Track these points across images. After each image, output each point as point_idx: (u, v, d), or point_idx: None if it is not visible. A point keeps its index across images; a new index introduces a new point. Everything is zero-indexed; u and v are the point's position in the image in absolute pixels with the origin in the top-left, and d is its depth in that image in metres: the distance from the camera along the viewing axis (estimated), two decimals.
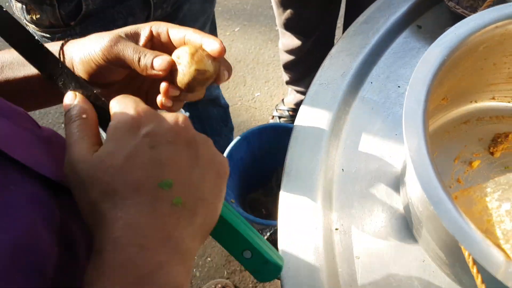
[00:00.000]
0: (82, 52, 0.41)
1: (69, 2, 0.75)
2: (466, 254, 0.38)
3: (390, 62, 0.73)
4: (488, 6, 0.55)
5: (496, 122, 0.61)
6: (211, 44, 0.39)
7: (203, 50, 0.39)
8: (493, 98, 0.62)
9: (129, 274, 0.28)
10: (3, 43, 0.37)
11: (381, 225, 0.55)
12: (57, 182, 0.35)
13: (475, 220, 0.43)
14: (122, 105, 0.33)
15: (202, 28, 1.10)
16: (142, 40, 0.43)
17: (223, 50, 0.39)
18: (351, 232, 0.55)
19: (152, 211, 0.30)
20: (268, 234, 0.98)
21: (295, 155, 0.64)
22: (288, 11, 1.34)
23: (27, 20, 0.80)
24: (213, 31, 1.22)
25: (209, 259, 1.56)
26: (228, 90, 2.03)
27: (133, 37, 0.43)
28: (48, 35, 0.82)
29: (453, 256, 0.44)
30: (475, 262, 0.37)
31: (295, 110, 1.90)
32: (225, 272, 1.52)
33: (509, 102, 0.62)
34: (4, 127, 0.34)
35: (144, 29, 0.43)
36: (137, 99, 0.34)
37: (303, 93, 1.77)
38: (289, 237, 0.55)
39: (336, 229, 0.56)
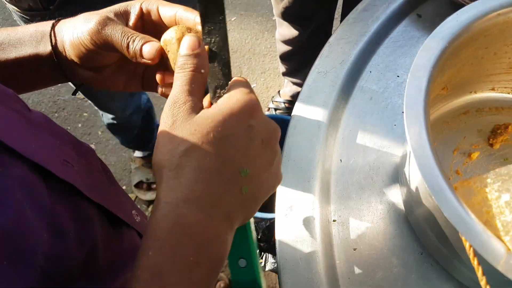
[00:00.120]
0: (72, 34, 0.41)
1: None
2: (467, 245, 0.37)
3: (389, 51, 0.71)
4: None
5: (495, 113, 0.60)
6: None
7: (193, 30, 0.38)
8: (493, 89, 0.61)
9: (196, 237, 0.31)
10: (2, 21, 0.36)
11: (379, 217, 0.55)
12: (46, 168, 0.34)
13: (474, 211, 0.43)
14: (245, 90, 0.35)
15: (186, 4, 1.07)
16: (132, 19, 0.42)
17: None
18: (349, 223, 0.54)
19: (226, 188, 0.33)
20: (264, 226, 0.98)
21: (293, 145, 0.63)
22: (286, 0, 1.32)
23: (6, 0, 0.79)
24: None
25: None
26: None
27: (123, 16, 0.42)
28: (27, 17, 0.82)
29: (453, 248, 0.44)
30: (476, 254, 0.37)
31: (291, 102, 1.88)
32: None
33: (508, 93, 0.61)
34: None
35: (134, 7, 0.42)
36: (253, 90, 0.37)
37: (300, 85, 1.75)
38: (286, 228, 0.54)
39: (334, 220, 0.55)
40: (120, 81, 0.47)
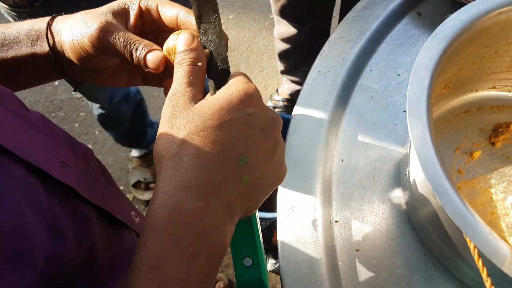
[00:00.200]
0: (71, 37, 0.40)
1: None
2: (471, 246, 0.37)
3: (389, 50, 0.71)
4: None
5: (496, 112, 0.60)
6: None
7: (195, 34, 0.38)
8: (494, 88, 0.61)
9: (193, 226, 0.31)
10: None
11: (381, 217, 0.54)
12: (43, 169, 0.34)
13: (478, 212, 0.42)
14: (243, 79, 0.36)
15: (186, 2, 1.07)
16: (131, 18, 0.41)
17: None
18: (351, 224, 0.54)
19: (225, 176, 0.32)
20: (264, 226, 0.98)
21: (294, 145, 0.63)
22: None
23: None
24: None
25: None
26: None
27: (122, 15, 0.41)
28: (14, 13, 0.82)
29: (456, 249, 0.44)
30: (480, 255, 0.36)
31: (289, 100, 1.88)
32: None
33: (509, 91, 0.61)
34: None
35: (132, 5, 0.41)
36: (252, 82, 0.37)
37: (298, 83, 1.75)
38: (288, 230, 0.54)
39: (336, 221, 0.55)
40: (122, 78, 0.47)
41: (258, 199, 0.36)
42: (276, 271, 0.98)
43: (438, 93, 0.57)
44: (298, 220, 0.55)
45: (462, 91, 0.61)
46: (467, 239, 0.37)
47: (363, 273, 0.50)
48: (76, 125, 1.98)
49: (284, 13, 1.38)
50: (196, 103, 0.34)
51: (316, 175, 0.59)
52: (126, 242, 0.48)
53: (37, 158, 0.34)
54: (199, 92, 0.35)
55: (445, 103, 0.61)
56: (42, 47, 0.42)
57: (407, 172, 0.53)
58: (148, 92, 1.96)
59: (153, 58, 0.38)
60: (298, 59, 1.63)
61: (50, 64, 0.43)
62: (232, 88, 0.34)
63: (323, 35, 1.54)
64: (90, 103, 1.35)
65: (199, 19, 0.37)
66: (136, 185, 1.79)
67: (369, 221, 0.54)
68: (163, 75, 0.44)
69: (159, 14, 0.41)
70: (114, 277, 0.43)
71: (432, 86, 0.45)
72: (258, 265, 0.38)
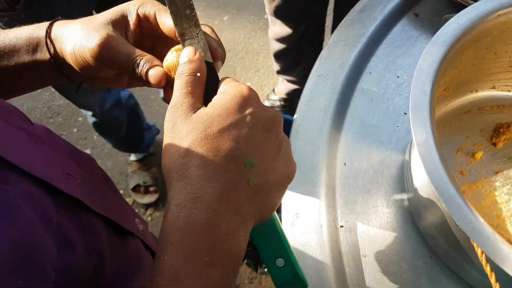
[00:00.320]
0: (72, 48, 0.40)
1: None
2: (479, 251, 0.37)
3: (388, 52, 0.71)
4: None
5: (497, 112, 0.61)
6: (208, 41, 0.39)
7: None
8: (493, 88, 0.61)
9: (208, 236, 0.31)
10: None
11: (386, 221, 0.55)
12: (49, 183, 0.34)
13: (484, 214, 0.43)
14: (237, 82, 0.36)
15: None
16: (130, 27, 0.41)
17: (218, 51, 0.40)
18: (356, 229, 0.54)
19: (232, 183, 0.32)
20: None
21: (296, 150, 0.63)
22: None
23: None
24: None
25: None
26: None
27: (121, 25, 0.41)
28: None
29: (463, 253, 0.44)
30: (488, 260, 0.37)
31: (286, 100, 1.88)
32: None
33: (509, 91, 0.61)
34: None
35: (130, 14, 0.41)
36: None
37: (294, 82, 1.75)
38: (294, 236, 0.54)
39: (341, 226, 0.55)
40: (123, 81, 0.48)
41: (270, 200, 0.35)
42: None
43: (438, 95, 0.57)
44: (303, 226, 0.55)
45: (462, 92, 0.61)
46: (475, 245, 0.37)
47: (370, 278, 0.50)
48: (75, 130, 1.97)
49: (279, 13, 1.38)
50: (195, 112, 0.34)
51: (319, 179, 0.60)
52: (131, 249, 0.48)
53: (44, 172, 0.34)
54: (198, 101, 0.35)
55: (446, 105, 0.62)
56: (43, 55, 0.42)
57: (410, 176, 0.53)
58: (145, 96, 1.96)
59: (154, 74, 0.39)
60: (293, 59, 1.63)
61: (51, 68, 0.44)
62: (227, 93, 0.34)
63: (318, 34, 1.54)
64: (83, 111, 1.35)
65: (182, 37, 0.39)
66: (136, 188, 1.79)
67: (374, 225, 0.55)
68: (165, 86, 0.44)
69: (157, 22, 0.41)
70: (120, 285, 0.43)
71: (434, 92, 0.46)
72: (291, 263, 0.38)
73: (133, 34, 0.42)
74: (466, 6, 0.69)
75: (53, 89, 1.42)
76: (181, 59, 0.38)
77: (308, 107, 0.67)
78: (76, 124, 1.98)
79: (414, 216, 0.54)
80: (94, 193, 0.42)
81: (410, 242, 0.53)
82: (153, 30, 0.42)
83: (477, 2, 0.50)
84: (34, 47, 0.42)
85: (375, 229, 0.54)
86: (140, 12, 0.40)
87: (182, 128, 0.33)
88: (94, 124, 1.41)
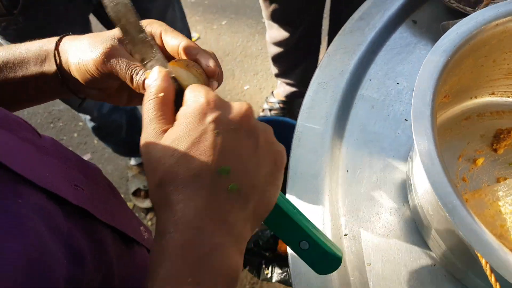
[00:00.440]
0: (77, 59, 0.42)
1: None
2: (483, 262, 0.38)
3: (387, 59, 0.72)
4: (487, 4, 0.54)
5: (496, 118, 0.61)
6: (206, 62, 0.40)
7: (193, 65, 0.40)
8: (493, 93, 0.62)
9: (188, 255, 0.30)
10: None
11: (390, 229, 0.55)
12: (59, 194, 0.35)
13: (488, 224, 0.43)
14: (193, 92, 0.35)
15: (164, 11, 1.09)
16: None
17: (216, 72, 0.40)
18: (360, 237, 0.55)
19: (210, 196, 0.32)
20: (269, 235, 0.98)
21: (299, 158, 0.63)
22: (274, 2, 1.33)
23: None
24: (182, 20, 1.21)
25: None
26: None
27: None
28: None
29: (467, 262, 0.44)
30: (492, 270, 0.37)
31: (285, 102, 1.89)
32: None
33: (508, 96, 0.62)
34: (6, 140, 0.34)
35: None
36: (208, 88, 0.36)
37: (293, 85, 1.76)
38: None
39: (345, 234, 0.55)
40: (123, 97, 0.49)
41: (264, 196, 0.34)
42: (283, 281, 0.98)
43: (438, 103, 0.58)
44: None
45: (461, 98, 0.62)
46: (479, 255, 0.38)
47: (375, 287, 0.51)
48: (75, 135, 1.98)
49: (275, 17, 1.39)
50: (163, 136, 0.33)
51: (322, 187, 0.60)
52: (137, 257, 0.49)
53: (53, 184, 0.35)
54: (166, 123, 0.34)
55: (446, 111, 0.62)
56: (50, 66, 0.44)
57: (413, 183, 0.54)
58: None
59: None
60: (291, 62, 1.64)
61: (57, 81, 0.45)
62: (185, 107, 0.34)
63: (315, 37, 1.55)
64: (82, 115, 1.35)
65: (143, 61, 0.40)
66: (136, 193, 1.79)
67: (378, 233, 0.55)
68: None
69: (162, 41, 0.43)
70: None
71: (435, 101, 0.46)
72: (315, 243, 0.38)
73: None
74: (463, 13, 0.70)
75: (64, 97, 1.43)
76: (146, 82, 0.37)
77: (309, 114, 0.68)
78: (76, 129, 1.99)
79: (417, 224, 0.55)
80: (100, 202, 0.43)
81: (414, 250, 0.53)
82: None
83: (475, 12, 0.51)
84: (42, 59, 0.44)
85: (379, 237, 0.55)
86: (147, 30, 0.42)
87: (153, 157, 0.33)
88: (93, 128, 1.41)
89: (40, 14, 0.85)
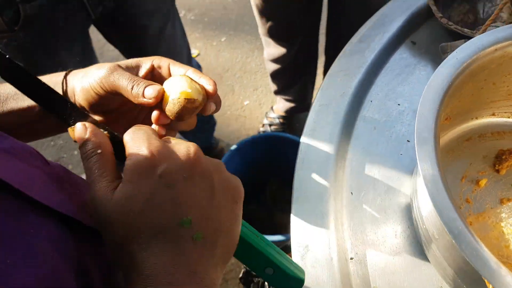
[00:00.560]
0: (83, 81, 0.44)
1: (9, 9, 0.79)
2: (490, 287, 0.38)
3: (387, 80, 0.73)
4: (485, 30, 0.56)
5: (498, 138, 0.62)
6: (206, 84, 0.42)
7: (194, 81, 0.41)
8: (493, 114, 0.63)
9: None
10: None
11: (395, 251, 0.56)
12: (71, 217, 0.36)
13: (493, 246, 0.44)
14: (135, 142, 0.34)
15: (162, 28, 1.11)
16: (142, 71, 0.45)
17: (215, 91, 0.42)
18: (366, 260, 0.55)
19: (176, 249, 0.31)
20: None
21: (303, 180, 0.64)
22: (270, 19, 1.35)
23: None
24: (182, 37, 1.23)
25: None
26: None
27: (134, 68, 0.45)
28: None
29: (474, 284, 0.45)
30: None
31: (285, 117, 1.90)
32: None
33: (509, 117, 0.63)
34: (19, 168, 0.34)
35: (145, 63, 0.45)
36: (149, 132, 0.35)
37: (292, 101, 1.78)
38: (305, 270, 0.55)
39: (351, 258, 0.56)
40: (121, 127, 0.49)
41: (227, 236, 0.34)
42: None
43: (440, 125, 0.59)
44: (313, 259, 0.56)
45: (462, 120, 0.63)
46: (486, 281, 0.38)
47: None
48: (75, 152, 1.98)
49: (272, 33, 1.42)
50: (111, 196, 0.32)
51: (327, 209, 0.60)
52: None
53: (67, 208, 0.35)
54: (110, 180, 0.33)
55: (447, 133, 0.63)
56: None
57: (416, 206, 0.54)
58: None
59: (151, 90, 0.40)
60: (289, 78, 1.66)
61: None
62: (130, 161, 0.33)
63: (312, 52, 1.57)
64: None
65: (62, 118, 0.40)
66: None
67: (384, 256, 0.55)
68: (156, 119, 0.45)
69: (170, 72, 0.44)
70: None
71: (438, 127, 0.47)
72: (279, 269, 0.39)
73: (143, 77, 0.45)
74: (461, 34, 0.71)
75: (63, 132, 1.44)
76: (77, 141, 0.36)
77: (312, 136, 0.68)
78: (76, 147, 1.99)
79: (423, 246, 0.55)
80: None
81: (420, 272, 0.54)
82: (162, 79, 0.44)
83: (474, 38, 0.52)
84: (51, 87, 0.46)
85: (385, 260, 0.55)
86: (155, 63, 0.44)
87: (107, 218, 0.32)
88: None
89: (41, 30, 0.87)
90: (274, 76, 1.66)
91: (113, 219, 0.31)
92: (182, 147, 0.34)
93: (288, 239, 1.19)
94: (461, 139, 0.63)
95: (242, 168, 1.48)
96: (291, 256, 0.58)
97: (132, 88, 0.41)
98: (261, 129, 1.94)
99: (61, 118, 0.39)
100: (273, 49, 1.50)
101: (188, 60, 1.30)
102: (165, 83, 0.42)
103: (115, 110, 0.47)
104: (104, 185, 0.32)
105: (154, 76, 0.45)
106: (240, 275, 1.00)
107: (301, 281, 0.40)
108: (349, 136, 0.68)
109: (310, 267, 0.55)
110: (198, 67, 1.78)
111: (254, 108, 2.03)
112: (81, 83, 0.44)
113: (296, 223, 0.60)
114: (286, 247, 1.01)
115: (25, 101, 0.45)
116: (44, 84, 0.41)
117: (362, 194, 0.62)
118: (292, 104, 1.80)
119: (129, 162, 0.33)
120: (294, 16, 1.32)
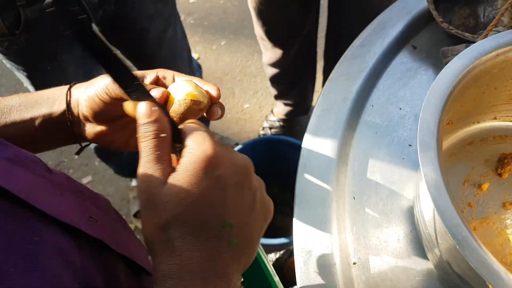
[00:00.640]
0: (88, 90, 0.44)
1: (10, 13, 0.80)
2: None
3: (389, 84, 0.73)
4: (487, 35, 0.56)
5: (500, 142, 0.62)
6: (210, 89, 0.43)
7: (198, 86, 0.42)
8: (495, 118, 0.63)
9: None
10: (9, 93, 0.38)
11: (398, 256, 0.56)
12: (74, 227, 0.36)
13: (497, 253, 0.44)
14: (199, 138, 0.35)
15: (164, 32, 1.11)
16: (147, 81, 0.45)
17: (219, 96, 0.43)
18: (369, 265, 0.55)
19: (213, 247, 0.33)
20: (274, 259, 0.98)
21: (305, 185, 0.64)
22: (269, 20, 1.35)
23: None
24: (183, 39, 1.23)
25: None
26: None
27: (139, 79, 0.45)
28: None
29: None
30: None
31: (285, 120, 1.90)
32: None
33: (510, 121, 0.63)
34: (24, 177, 0.34)
35: (150, 74, 0.46)
36: (210, 131, 0.37)
37: (291, 105, 1.78)
38: (307, 276, 0.55)
39: (354, 263, 0.56)
40: (122, 138, 0.50)
41: (252, 251, 0.36)
42: None
43: (442, 129, 0.59)
44: (316, 265, 0.56)
45: (464, 124, 0.63)
46: (490, 286, 0.38)
47: None
48: (76, 156, 1.98)
49: (271, 36, 1.41)
50: (166, 181, 0.34)
51: (330, 215, 0.60)
52: (147, 287, 0.49)
53: (71, 217, 0.36)
54: (167, 164, 0.35)
55: (449, 137, 0.63)
56: (59, 107, 0.46)
57: (419, 211, 0.54)
58: None
59: (156, 91, 0.41)
60: (289, 82, 1.66)
61: (61, 125, 0.47)
62: (193, 157, 0.34)
63: (311, 53, 1.57)
64: None
65: (124, 89, 0.38)
66: (137, 214, 1.79)
67: (387, 260, 0.55)
68: None
69: (174, 81, 0.45)
70: None
71: (440, 132, 0.47)
72: None
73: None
74: (462, 38, 0.72)
75: (64, 146, 1.45)
76: (139, 117, 0.36)
77: (314, 141, 0.68)
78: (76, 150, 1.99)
79: (426, 250, 0.55)
80: (112, 233, 0.44)
81: (423, 276, 0.54)
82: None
83: (476, 43, 0.52)
84: (54, 100, 0.47)
85: (387, 265, 0.55)
86: (160, 74, 0.45)
87: (158, 200, 0.33)
88: (96, 148, 1.42)
89: (41, 34, 0.88)
90: (273, 80, 1.66)
91: (163, 202, 0.33)
92: (240, 158, 0.36)
93: (291, 242, 1.19)
94: (463, 143, 0.63)
95: None
96: (293, 260, 0.58)
97: None
98: (261, 132, 1.94)
99: (125, 91, 0.38)
100: (271, 53, 1.50)
101: (188, 61, 1.30)
102: (171, 87, 0.43)
103: (118, 119, 0.48)
104: (162, 168, 0.34)
105: (159, 86, 0.46)
106: None
107: None
108: (350, 141, 0.68)
109: (313, 272, 0.55)
110: (198, 67, 1.77)
111: (254, 111, 2.03)
112: (85, 93, 0.44)
113: (298, 228, 0.60)
114: (288, 251, 1.01)
115: (28, 113, 0.46)
116: (118, 56, 0.40)
117: (365, 199, 0.62)
118: (292, 108, 1.81)
119: (191, 156, 0.34)
120: (294, 16, 1.31)
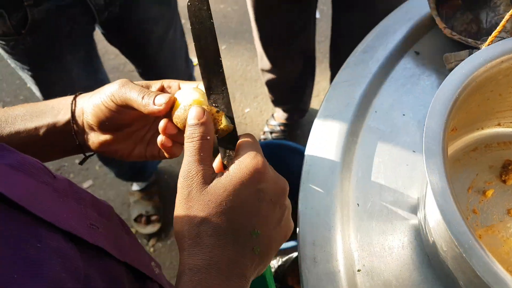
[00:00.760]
0: (94, 98, 0.45)
1: (17, 12, 0.81)
2: None
3: (392, 90, 0.73)
4: (491, 42, 0.56)
5: (504, 148, 0.62)
6: None
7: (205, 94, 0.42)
8: (499, 124, 0.63)
9: None
10: (10, 98, 0.38)
11: (403, 263, 0.55)
12: (77, 235, 0.36)
13: (503, 261, 0.44)
14: (253, 152, 0.38)
15: (166, 32, 1.13)
16: (153, 90, 0.46)
17: None
18: (373, 272, 0.55)
19: (240, 251, 0.36)
20: (276, 265, 0.97)
21: (309, 192, 0.64)
22: (268, 21, 1.34)
23: None
24: (182, 38, 1.25)
25: None
26: None
27: (144, 87, 0.46)
28: (3, 42, 0.87)
29: None
30: None
31: (286, 124, 1.90)
32: None
33: None
34: (26, 184, 0.35)
35: (155, 84, 0.47)
36: (261, 150, 0.40)
37: (291, 110, 1.78)
38: (312, 284, 0.54)
39: (359, 270, 0.55)
40: (126, 148, 0.50)
41: (268, 261, 0.40)
42: None
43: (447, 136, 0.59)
44: (321, 272, 0.55)
45: (468, 130, 0.63)
46: None
47: None
48: (77, 161, 1.98)
49: (268, 39, 1.42)
50: (210, 182, 0.37)
51: (334, 222, 0.60)
52: None
53: (72, 225, 0.36)
54: (210, 166, 0.38)
55: (454, 143, 0.63)
56: (63, 116, 0.47)
57: (424, 218, 0.54)
58: None
59: (162, 98, 0.42)
60: (286, 89, 1.66)
61: (65, 134, 0.47)
62: (243, 166, 0.37)
63: (309, 61, 1.57)
64: None
65: (208, 90, 0.41)
66: (138, 219, 1.78)
67: (391, 268, 0.55)
68: (163, 129, 0.46)
69: (180, 89, 0.46)
70: None
71: (446, 140, 0.47)
72: None
73: None
74: (465, 44, 0.72)
75: (68, 156, 1.45)
76: (190, 118, 0.39)
77: (317, 147, 0.68)
78: (78, 156, 1.99)
79: (430, 258, 0.55)
80: (114, 240, 0.44)
81: (427, 284, 0.53)
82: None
83: (480, 50, 0.52)
84: (59, 109, 0.47)
85: (392, 272, 0.55)
86: (165, 83, 0.46)
87: (198, 199, 0.36)
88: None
89: (47, 34, 0.88)
90: (271, 86, 1.67)
91: (204, 200, 0.36)
92: (281, 179, 0.40)
93: (296, 247, 1.18)
94: (467, 149, 0.63)
95: None
96: (297, 268, 0.58)
97: (142, 98, 0.42)
98: (262, 136, 1.94)
99: (207, 90, 0.41)
100: (267, 60, 1.50)
101: (186, 59, 1.31)
102: (177, 93, 0.43)
103: (123, 128, 0.48)
104: (206, 169, 0.37)
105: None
106: None
107: None
108: (354, 147, 0.68)
109: (318, 279, 0.55)
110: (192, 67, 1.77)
111: (255, 115, 2.03)
112: (91, 102, 0.45)
113: (302, 235, 0.60)
114: (290, 259, 1.01)
115: (33, 122, 0.46)
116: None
117: (369, 205, 0.62)
118: (291, 113, 1.81)
119: (243, 164, 0.37)
120: (294, 16, 1.31)
